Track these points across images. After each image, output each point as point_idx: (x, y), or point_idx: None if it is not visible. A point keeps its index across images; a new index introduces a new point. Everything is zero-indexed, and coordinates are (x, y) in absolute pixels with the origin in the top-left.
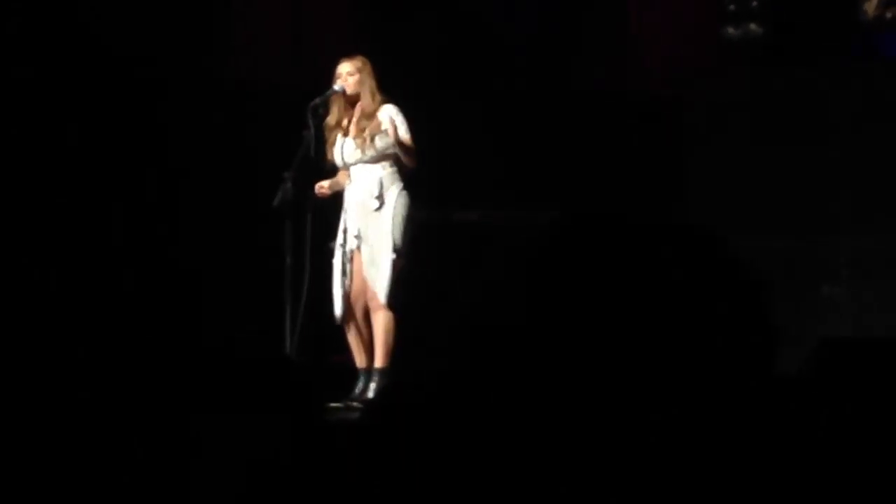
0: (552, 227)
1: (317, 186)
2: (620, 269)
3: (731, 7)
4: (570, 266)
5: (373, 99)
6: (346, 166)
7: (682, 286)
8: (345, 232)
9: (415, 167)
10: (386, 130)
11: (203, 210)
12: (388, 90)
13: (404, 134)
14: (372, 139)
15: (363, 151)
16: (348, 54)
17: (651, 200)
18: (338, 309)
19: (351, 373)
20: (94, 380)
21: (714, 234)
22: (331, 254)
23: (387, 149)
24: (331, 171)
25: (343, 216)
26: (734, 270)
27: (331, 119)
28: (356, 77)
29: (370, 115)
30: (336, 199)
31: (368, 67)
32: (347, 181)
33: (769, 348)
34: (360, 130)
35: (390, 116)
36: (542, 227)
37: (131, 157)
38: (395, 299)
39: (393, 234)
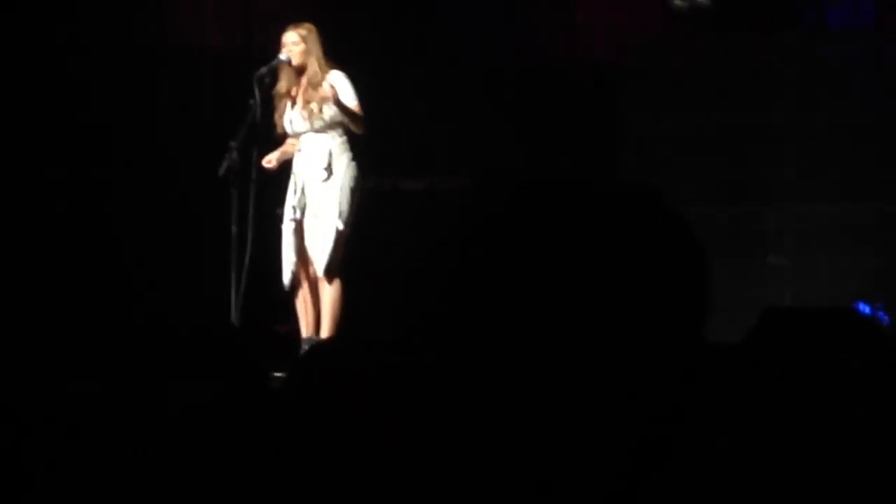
0: (479, 192)
1: (263, 161)
2: (551, 232)
3: None
4: (503, 230)
5: (319, 68)
6: (296, 135)
7: (612, 247)
8: (293, 200)
9: (363, 134)
10: (331, 99)
11: (148, 179)
12: (336, 58)
13: (351, 101)
14: (320, 109)
15: (311, 121)
16: (295, 22)
17: (597, 170)
18: (286, 277)
19: (296, 342)
20: (36, 346)
21: (649, 192)
22: (279, 221)
23: (335, 118)
24: (280, 139)
25: (291, 184)
26: (668, 231)
27: (280, 88)
28: (301, 46)
29: (316, 85)
30: (285, 167)
31: (314, 35)
32: (296, 150)
33: (701, 314)
34: (307, 101)
35: (334, 84)
36: (468, 192)
37: (74, 128)
38: (343, 269)
39: (339, 205)
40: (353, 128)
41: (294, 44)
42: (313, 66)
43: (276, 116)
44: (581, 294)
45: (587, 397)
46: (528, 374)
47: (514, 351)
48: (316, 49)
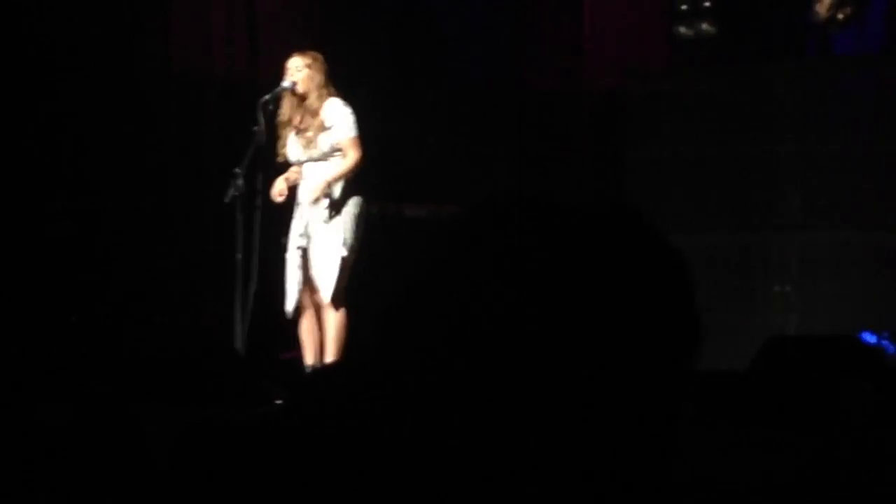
0: (467, 213)
1: (275, 193)
2: (536, 254)
3: (684, 7)
4: (484, 252)
5: (318, 96)
6: (298, 164)
7: (596, 270)
8: (297, 229)
9: (361, 166)
10: (330, 128)
11: (153, 205)
12: (340, 85)
13: (345, 130)
14: (316, 137)
15: (310, 151)
16: (299, 49)
17: (601, 197)
18: (289, 305)
19: (300, 369)
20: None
21: (637, 216)
22: (283, 249)
23: (333, 146)
24: (282, 167)
25: (295, 212)
26: (654, 255)
27: (282, 116)
28: (305, 72)
29: (314, 113)
30: (289, 195)
31: (319, 64)
32: (299, 177)
33: (693, 341)
34: (305, 128)
35: (330, 111)
36: (456, 214)
37: (78, 153)
38: (347, 296)
39: (343, 232)
40: (351, 170)
41: (298, 70)
42: (313, 94)
43: (279, 146)
44: (567, 317)
45: (573, 422)
46: (527, 394)
47: (505, 374)
48: (319, 77)
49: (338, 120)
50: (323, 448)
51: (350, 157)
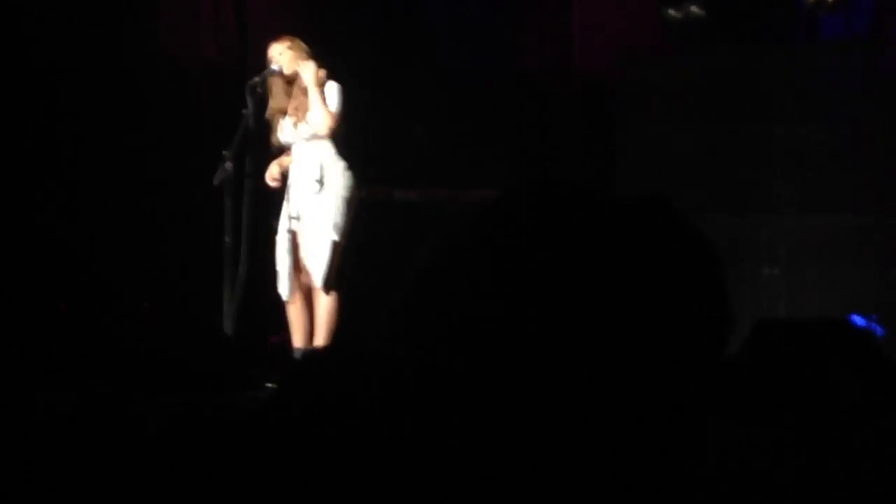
0: (499, 198)
1: (268, 179)
2: (572, 240)
3: None
4: (516, 238)
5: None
6: (289, 146)
7: (633, 258)
8: (288, 211)
9: (328, 131)
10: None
11: (142, 188)
12: (330, 68)
13: (332, 107)
14: (304, 116)
15: (299, 129)
16: (276, 37)
17: (592, 180)
18: (284, 288)
19: (289, 352)
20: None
21: (668, 205)
22: (275, 232)
23: (321, 123)
24: (277, 152)
25: (287, 195)
26: (689, 244)
27: (272, 103)
28: (289, 54)
29: (305, 90)
30: (282, 178)
31: (298, 43)
32: (291, 161)
33: (725, 329)
34: (296, 108)
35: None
36: (487, 200)
37: (67, 138)
38: (338, 280)
39: (334, 215)
40: (317, 122)
41: (281, 53)
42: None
43: (272, 133)
44: (600, 304)
45: (596, 406)
46: (538, 383)
47: (525, 359)
48: (302, 56)
49: (330, 93)
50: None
51: (323, 121)
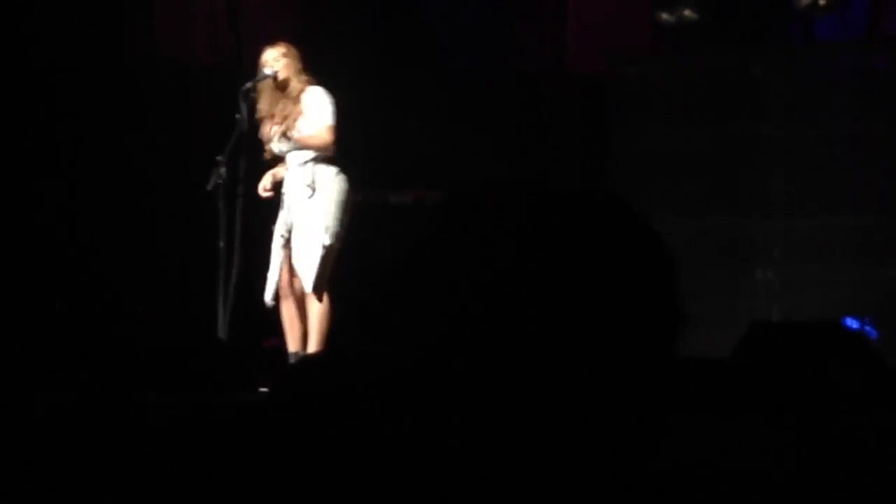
0: (449, 200)
1: (260, 190)
2: (519, 239)
3: None
4: (470, 239)
5: (298, 82)
6: (282, 154)
7: (580, 254)
8: (282, 217)
9: (330, 149)
10: (309, 115)
11: (136, 192)
12: (324, 72)
13: (323, 118)
14: (295, 124)
15: (290, 138)
16: (270, 43)
17: (586, 182)
18: (268, 293)
19: (283, 356)
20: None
21: (619, 202)
22: (270, 237)
23: (312, 133)
24: (270, 162)
25: (282, 201)
26: (636, 239)
27: (261, 109)
28: (284, 61)
29: (295, 100)
30: (277, 187)
31: (293, 51)
32: (285, 169)
33: (672, 328)
34: (285, 116)
35: (311, 99)
36: (440, 200)
37: (62, 140)
38: (331, 284)
39: (326, 220)
40: (315, 148)
41: (276, 60)
42: (294, 81)
43: (264, 140)
44: (549, 303)
45: (558, 409)
46: (507, 385)
47: (489, 361)
48: (297, 65)
49: (317, 107)
50: (321, 446)
51: (319, 138)
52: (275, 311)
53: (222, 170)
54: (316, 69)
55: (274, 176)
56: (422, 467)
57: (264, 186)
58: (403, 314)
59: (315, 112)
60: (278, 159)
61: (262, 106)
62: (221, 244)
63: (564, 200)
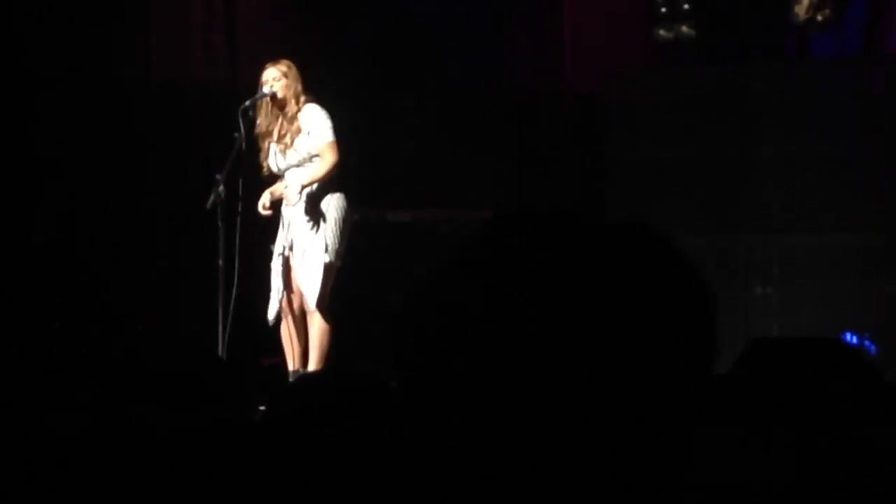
0: (486, 227)
1: (259, 208)
2: (563, 269)
3: (663, 9)
4: (502, 265)
5: (296, 102)
6: (280, 172)
7: (622, 286)
8: (282, 236)
9: (337, 170)
10: (308, 134)
11: (135, 211)
12: (321, 90)
13: (322, 136)
14: (293, 142)
15: (288, 156)
16: (273, 60)
17: (583, 200)
18: (271, 312)
19: (283, 375)
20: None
21: (659, 231)
22: (269, 255)
23: (311, 151)
24: (268, 180)
25: (281, 220)
26: (678, 270)
27: (260, 126)
28: (283, 81)
29: (292, 119)
30: (278, 205)
31: (294, 71)
32: (284, 187)
33: (709, 353)
34: (283, 135)
35: (308, 117)
36: (476, 228)
37: (60, 161)
38: (331, 302)
39: (325, 239)
40: (326, 174)
41: (276, 79)
42: (290, 101)
43: (262, 157)
44: (585, 330)
45: (588, 430)
46: (527, 407)
47: (513, 384)
48: (296, 85)
49: (316, 125)
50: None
51: (327, 161)
52: (274, 329)
53: (221, 188)
54: (312, 86)
55: (272, 193)
56: (422, 468)
57: (263, 204)
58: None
59: (315, 131)
60: (276, 176)
61: (262, 122)
62: (221, 263)
63: (605, 230)
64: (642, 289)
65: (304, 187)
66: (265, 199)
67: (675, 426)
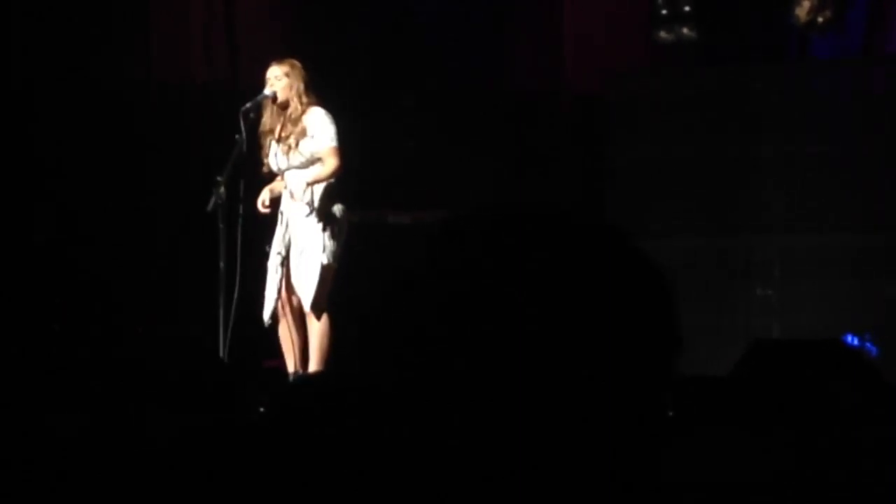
0: (441, 227)
1: (258, 205)
2: (517, 268)
3: (664, 11)
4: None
5: (299, 104)
6: (280, 172)
7: (577, 284)
8: (279, 237)
9: (338, 174)
10: (312, 137)
11: (135, 214)
12: (320, 90)
13: (326, 139)
14: (297, 144)
15: (290, 157)
16: (278, 58)
17: (584, 199)
18: (266, 313)
19: (285, 376)
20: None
21: (615, 229)
22: (267, 257)
23: (315, 154)
24: (268, 178)
25: (279, 220)
26: (633, 269)
27: (263, 125)
28: (285, 81)
29: (296, 120)
30: (277, 205)
31: (298, 71)
32: (283, 187)
33: (669, 352)
34: (286, 136)
35: (312, 121)
36: (431, 227)
37: (60, 163)
38: (330, 303)
39: (324, 239)
40: (327, 178)
41: (277, 78)
42: (294, 102)
43: (262, 155)
44: (546, 328)
45: (557, 429)
46: (527, 407)
47: (488, 383)
48: (298, 85)
49: (319, 129)
50: (322, 446)
51: (328, 165)
52: (274, 330)
53: (222, 191)
54: (312, 88)
55: (272, 191)
56: (422, 468)
57: (263, 201)
58: (395, 336)
59: (318, 135)
60: (276, 175)
61: (265, 120)
62: (222, 265)
63: (560, 225)
64: (598, 285)
65: (305, 187)
66: (264, 197)
67: (646, 422)
